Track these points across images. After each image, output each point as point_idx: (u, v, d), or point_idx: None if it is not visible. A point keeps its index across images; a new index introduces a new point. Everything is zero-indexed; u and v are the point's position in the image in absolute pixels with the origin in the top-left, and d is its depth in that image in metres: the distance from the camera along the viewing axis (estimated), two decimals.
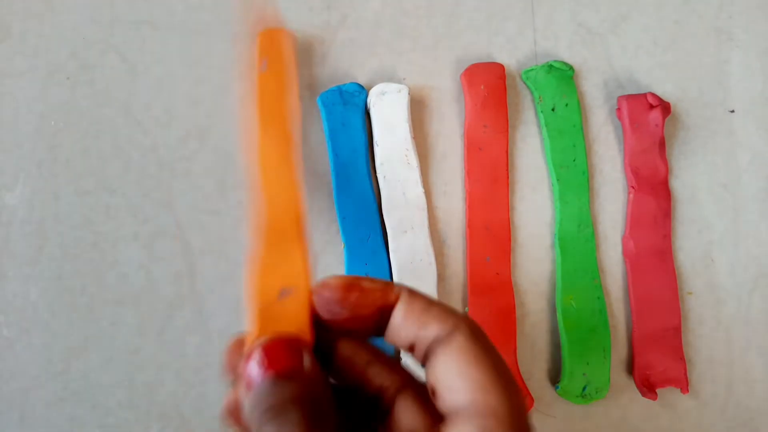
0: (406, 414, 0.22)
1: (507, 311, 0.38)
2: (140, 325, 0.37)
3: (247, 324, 0.26)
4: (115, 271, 0.38)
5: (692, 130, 0.42)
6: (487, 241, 0.39)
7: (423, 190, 0.39)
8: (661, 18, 0.42)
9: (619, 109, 0.41)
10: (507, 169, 0.40)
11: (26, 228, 0.38)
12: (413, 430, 0.22)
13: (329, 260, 0.39)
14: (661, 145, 0.40)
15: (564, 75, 0.40)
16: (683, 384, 0.38)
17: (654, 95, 0.40)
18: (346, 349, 0.24)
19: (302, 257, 0.30)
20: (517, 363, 0.38)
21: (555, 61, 0.40)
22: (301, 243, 0.30)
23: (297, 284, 0.29)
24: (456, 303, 0.39)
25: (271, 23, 0.36)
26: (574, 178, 0.40)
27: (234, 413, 0.22)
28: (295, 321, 0.27)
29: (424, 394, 0.23)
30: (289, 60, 0.37)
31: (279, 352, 0.23)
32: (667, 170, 0.40)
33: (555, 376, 0.39)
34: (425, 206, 0.39)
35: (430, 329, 0.22)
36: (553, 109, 0.40)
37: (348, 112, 0.38)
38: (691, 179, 0.41)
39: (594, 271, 0.39)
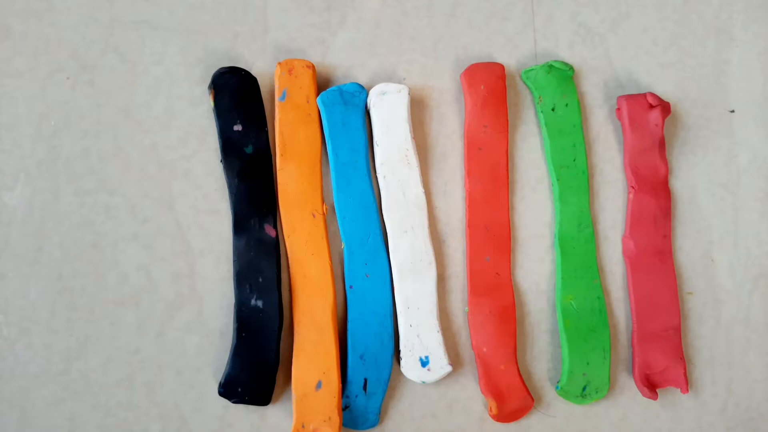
0: None
1: (507, 311, 0.38)
2: (140, 325, 0.37)
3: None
4: (115, 271, 0.38)
5: (692, 130, 0.42)
6: (487, 241, 0.39)
7: (423, 190, 0.39)
8: (661, 18, 0.43)
9: (619, 109, 0.41)
10: (507, 169, 0.40)
11: (26, 228, 0.38)
12: None
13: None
14: (661, 145, 0.40)
15: (564, 75, 0.40)
16: (683, 384, 0.38)
17: (654, 95, 0.40)
18: None
19: (335, 351, 0.35)
20: (517, 363, 0.38)
21: (555, 61, 0.40)
22: (335, 338, 0.35)
23: (330, 377, 0.35)
24: (456, 303, 0.39)
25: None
26: (574, 178, 0.40)
27: None
28: (328, 409, 0.36)
29: None
30: (308, 89, 0.38)
31: None
32: (667, 170, 0.40)
33: (555, 376, 0.39)
34: (425, 206, 0.39)
35: None
36: (553, 109, 0.40)
37: (348, 112, 0.38)
38: (691, 179, 0.41)
39: (594, 271, 0.39)
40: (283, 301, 0.37)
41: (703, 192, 0.41)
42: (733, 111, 0.42)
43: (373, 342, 0.37)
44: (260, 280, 0.37)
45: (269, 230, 0.37)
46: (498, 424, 0.38)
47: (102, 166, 0.38)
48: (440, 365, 0.37)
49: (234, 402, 0.36)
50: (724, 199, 0.41)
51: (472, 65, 0.40)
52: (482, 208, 0.39)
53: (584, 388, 0.38)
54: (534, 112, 0.41)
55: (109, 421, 0.37)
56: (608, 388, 0.38)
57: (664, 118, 0.40)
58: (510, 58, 0.41)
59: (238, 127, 0.38)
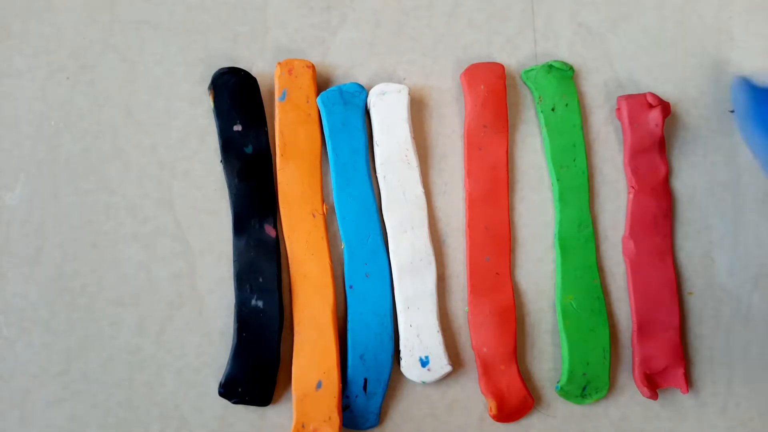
0: None
1: (507, 311, 0.38)
2: (140, 325, 0.37)
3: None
4: (115, 271, 0.38)
5: (692, 130, 0.42)
6: (487, 241, 0.39)
7: (423, 190, 0.39)
8: (661, 18, 0.42)
9: (619, 109, 0.41)
10: (507, 169, 0.40)
11: (26, 228, 0.38)
12: None
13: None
14: (661, 145, 0.40)
15: (564, 75, 0.40)
16: (683, 384, 0.38)
17: (654, 95, 0.40)
18: None
19: (335, 351, 0.35)
20: (516, 363, 0.38)
21: (555, 61, 0.40)
22: (335, 338, 0.35)
23: (330, 377, 0.35)
24: (456, 303, 0.39)
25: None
26: (574, 178, 0.40)
27: None
28: (328, 409, 0.36)
29: None
30: (308, 90, 0.38)
31: None
32: (667, 170, 0.40)
33: (555, 376, 0.39)
34: (425, 206, 0.39)
35: None
36: (553, 109, 0.40)
37: (348, 112, 0.38)
38: (691, 179, 0.41)
39: (594, 271, 0.39)
40: (284, 301, 0.37)
41: (703, 192, 0.41)
42: (733, 111, 0.42)
43: (373, 342, 0.37)
44: (260, 280, 0.37)
45: (269, 230, 0.37)
46: (498, 424, 0.38)
47: (102, 166, 0.38)
48: (440, 365, 0.37)
49: (234, 402, 0.36)
50: (724, 199, 0.41)
51: (472, 65, 0.40)
52: (482, 208, 0.39)
53: (584, 388, 0.38)
54: (534, 112, 0.41)
55: (109, 421, 0.37)
56: (608, 388, 0.38)
57: (664, 118, 0.40)
58: (510, 58, 0.41)
59: (237, 127, 0.38)
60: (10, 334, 0.37)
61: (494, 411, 0.37)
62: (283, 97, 0.38)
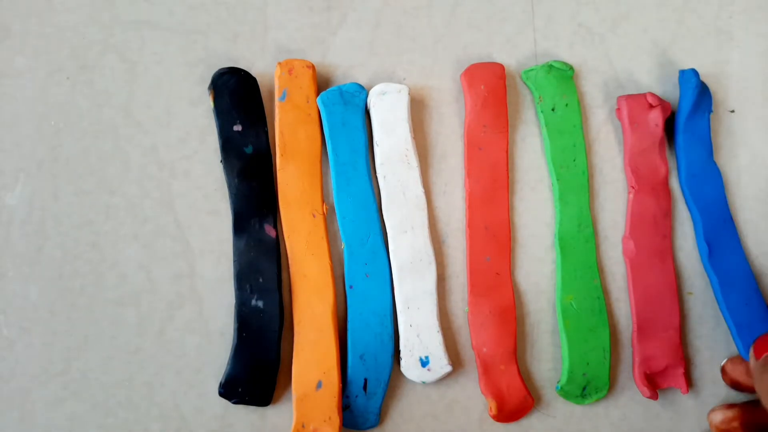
0: None
1: (507, 311, 0.38)
2: (140, 325, 0.37)
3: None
4: (115, 271, 0.38)
5: None
6: (487, 241, 0.39)
7: (423, 190, 0.39)
8: (661, 18, 0.42)
9: (618, 109, 0.41)
10: (507, 169, 0.40)
11: (26, 228, 0.38)
12: None
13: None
14: (661, 145, 0.40)
15: (564, 75, 0.40)
16: (683, 384, 0.38)
17: (654, 95, 0.40)
18: None
19: (335, 352, 0.35)
20: (516, 363, 0.38)
21: (555, 61, 0.40)
22: (335, 338, 0.35)
23: (330, 377, 0.36)
24: (456, 303, 0.39)
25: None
26: (574, 178, 0.40)
27: None
28: (328, 409, 0.36)
29: None
30: (308, 89, 0.38)
31: None
32: (667, 170, 0.40)
33: (555, 376, 0.39)
34: (425, 206, 0.39)
35: None
36: (553, 109, 0.40)
37: (348, 112, 0.38)
38: None
39: (594, 271, 0.39)
40: (284, 301, 0.37)
41: None
42: (733, 111, 0.42)
43: (373, 342, 0.37)
44: (260, 280, 0.37)
45: (269, 230, 0.37)
46: (498, 424, 0.38)
47: (102, 166, 0.38)
48: (440, 365, 0.37)
49: (234, 402, 0.36)
50: None
51: (472, 65, 0.40)
52: (482, 208, 0.39)
53: (584, 388, 0.38)
54: (534, 112, 0.41)
55: (109, 421, 0.37)
56: (608, 388, 0.38)
57: (664, 118, 0.40)
58: (510, 58, 0.41)
59: (237, 127, 0.38)
60: (10, 334, 0.37)
61: (494, 411, 0.37)
62: (283, 97, 0.38)
